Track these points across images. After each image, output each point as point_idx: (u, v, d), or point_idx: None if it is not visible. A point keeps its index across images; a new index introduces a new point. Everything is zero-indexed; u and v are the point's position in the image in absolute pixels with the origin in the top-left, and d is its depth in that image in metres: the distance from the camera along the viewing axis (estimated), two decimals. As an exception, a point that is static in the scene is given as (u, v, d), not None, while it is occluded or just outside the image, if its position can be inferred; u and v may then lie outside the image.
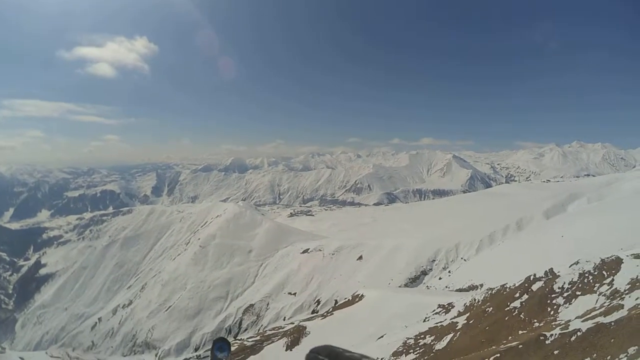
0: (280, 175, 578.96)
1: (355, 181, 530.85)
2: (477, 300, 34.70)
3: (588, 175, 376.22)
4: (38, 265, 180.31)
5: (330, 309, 69.69)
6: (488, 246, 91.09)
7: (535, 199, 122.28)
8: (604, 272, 23.12)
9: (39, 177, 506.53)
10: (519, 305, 26.19)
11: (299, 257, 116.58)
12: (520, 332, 22.71)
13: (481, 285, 55.45)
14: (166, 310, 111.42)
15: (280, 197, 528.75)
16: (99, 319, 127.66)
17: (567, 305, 22.52)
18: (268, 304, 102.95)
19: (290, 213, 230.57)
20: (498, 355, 16.72)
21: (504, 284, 33.05)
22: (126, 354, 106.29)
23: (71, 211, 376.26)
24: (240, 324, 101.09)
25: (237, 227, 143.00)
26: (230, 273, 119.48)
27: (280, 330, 69.99)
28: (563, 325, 17.16)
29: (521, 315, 24.83)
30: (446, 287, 66.52)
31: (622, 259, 23.42)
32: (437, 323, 34.17)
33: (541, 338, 16.01)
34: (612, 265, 23.37)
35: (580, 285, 23.48)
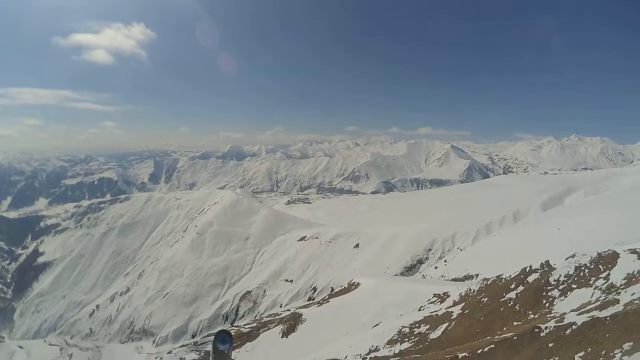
0: (278, 163, 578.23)
1: (353, 169, 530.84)
2: (472, 290, 34.79)
3: (586, 169, 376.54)
4: (36, 253, 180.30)
5: (327, 297, 70.03)
6: (484, 236, 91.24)
7: (532, 190, 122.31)
8: (600, 266, 23.15)
9: (36, 166, 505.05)
10: (514, 297, 26.25)
11: (296, 244, 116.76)
12: (515, 323, 22.78)
13: (477, 275, 55.61)
14: (163, 297, 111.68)
15: (278, 184, 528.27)
16: (97, 307, 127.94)
17: (562, 298, 22.57)
18: (265, 291, 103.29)
19: (288, 201, 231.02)
20: (492, 346, 16.75)
21: (500, 275, 33.11)
22: (124, 340, 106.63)
23: (69, 199, 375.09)
24: (237, 310, 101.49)
25: (234, 214, 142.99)
26: (228, 260, 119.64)
27: (277, 317, 70.33)
28: (558, 318, 17.20)
29: (516, 307, 24.89)
30: (442, 276, 66.70)
31: (619, 254, 23.44)
32: (432, 312, 34.28)
33: (536, 330, 16.05)
34: (609, 259, 23.39)
35: (576, 279, 23.51)
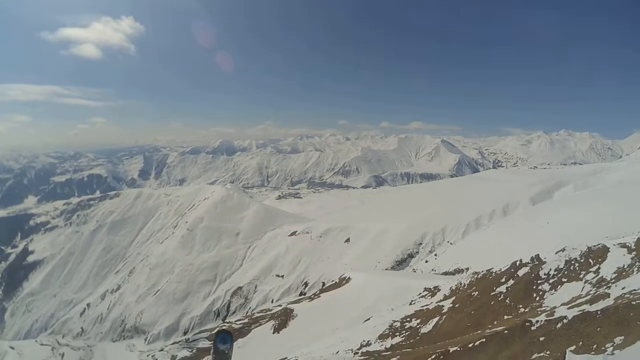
0: (268, 158, 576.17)
1: (344, 164, 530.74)
2: (463, 284, 34.91)
3: (575, 163, 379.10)
4: (26, 252, 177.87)
5: (318, 292, 70.01)
6: (474, 230, 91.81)
7: (522, 185, 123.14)
8: (590, 260, 23.27)
9: (25, 163, 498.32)
10: (504, 290, 26.34)
11: (287, 239, 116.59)
12: (505, 317, 22.85)
13: (467, 269, 55.86)
14: (154, 295, 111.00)
15: (269, 179, 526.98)
16: (88, 305, 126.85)
17: (552, 291, 22.67)
18: (256, 287, 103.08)
19: (279, 195, 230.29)
20: (484, 340, 16.74)
21: (490, 269, 33.24)
22: (115, 339, 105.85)
23: (58, 196, 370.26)
24: (228, 306, 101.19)
25: (224, 209, 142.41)
26: (218, 256, 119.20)
27: (268, 312, 70.36)
28: (548, 312, 17.24)
29: (507, 300, 24.97)
30: (432, 270, 66.96)
31: (609, 248, 23.57)
32: (423, 306, 34.37)
33: (527, 324, 16.05)
34: (599, 253, 23.52)
35: (566, 272, 23.62)
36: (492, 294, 27.09)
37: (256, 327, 56.47)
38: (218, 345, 6.74)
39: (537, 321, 15.90)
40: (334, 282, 65.69)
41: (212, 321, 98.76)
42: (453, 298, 32.34)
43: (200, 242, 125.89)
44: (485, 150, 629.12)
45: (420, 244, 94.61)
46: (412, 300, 39.01)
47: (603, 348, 11.74)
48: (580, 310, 15.12)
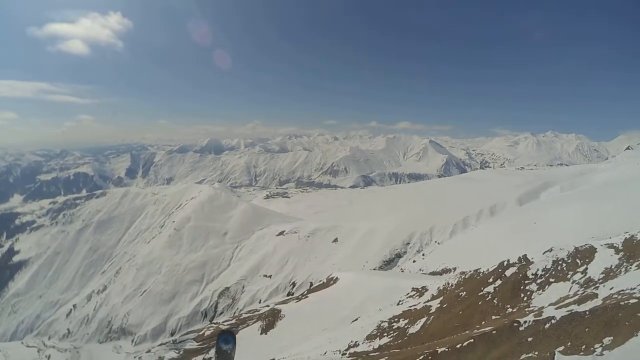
0: (256, 157, 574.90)
1: (332, 164, 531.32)
2: (450, 285, 34.95)
3: (561, 164, 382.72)
4: (11, 252, 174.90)
5: (305, 292, 69.84)
6: (462, 230, 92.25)
7: (509, 185, 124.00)
8: (578, 261, 23.36)
9: (11, 161, 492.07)
10: (492, 291, 26.37)
11: (275, 239, 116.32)
12: (493, 317, 22.84)
13: (454, 269, 56.06)
14: (141, 295, 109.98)
15: (257, 178, 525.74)
16: (74, 306, 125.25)
17: (540, 292, 22.71)
18: (243, 287, 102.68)
19: (267, 195, 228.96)
20: (472, 340, 16.66)
21: (478, 269, 33.30)
22: (102, 340, 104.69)
23: (44, 195, 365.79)
24: (215, 307, 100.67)
25: (212, 209, 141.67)
26: (206, 256, 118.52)
27: (256, 313, 70.00)
28: (536, 312, 17.22)
29: (494, 301, 25.00)
30: (420, 270, 67.11)
31: (596, 248, 23.68)
32: (410, 306, 34.34)
33: (515, 324, 15.99)
34: (586, 254, 23.62)
35: (553, 273, 23.69)
36: (479, 294, 27.10)
37: (244, 327, 56.10)
38: (221, 345, 6.79)
39: (525, 322, 15.84)
40: (321, 282, 65.54)
41: (199, 322, 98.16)
42: (441, 298, 32.35)
43: (188, 242, 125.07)
44: (473, 151, 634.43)
45: (408, 243, 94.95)
46: (399, 301, 39.00)
47: (592, 349, 11.69)
48: (568, 311, 15.10)
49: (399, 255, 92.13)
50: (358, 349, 28.19)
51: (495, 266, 29.62)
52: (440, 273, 58.40)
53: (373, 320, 34.07)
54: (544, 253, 27.11)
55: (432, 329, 26.74)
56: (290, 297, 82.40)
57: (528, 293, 23.28)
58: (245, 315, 74.65)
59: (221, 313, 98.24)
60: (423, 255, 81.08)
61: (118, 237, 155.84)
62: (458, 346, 16.64)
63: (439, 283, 37.86)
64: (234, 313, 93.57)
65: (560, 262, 24.10)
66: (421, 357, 17.03)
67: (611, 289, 17.06)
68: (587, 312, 13.85)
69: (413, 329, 28.58)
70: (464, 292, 29.65)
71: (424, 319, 29.22)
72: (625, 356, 10.41)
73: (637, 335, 11.30)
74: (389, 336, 29.13)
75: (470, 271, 34.78)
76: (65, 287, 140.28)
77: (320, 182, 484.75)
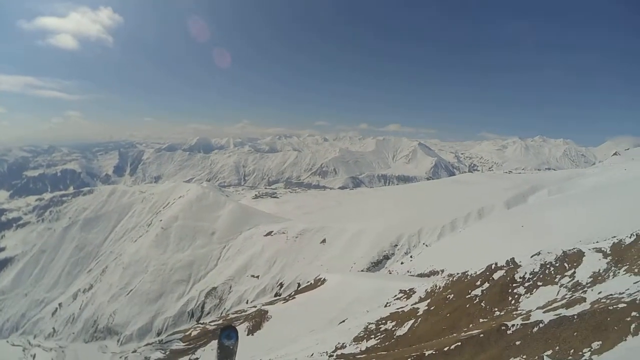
0: (246, 156, 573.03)
1: (322, 164, 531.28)
2: (438, 287, 34.94)
3: (549, 169, 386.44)
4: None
5: (293, 293, 69.62)
6: (450, 233, 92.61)
7: (497, 189, 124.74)
8: (566, 264, 23.38)
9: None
10: (480, 293, 26.35)
11: (263, 239, 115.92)
12: (481, 320, 22.81)
13: (442, 271, 56.16)
14: (127, 294, 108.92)
15: (246, 178, 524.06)
16: (60, 305, 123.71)
17: (528, 295, 22.71)
18: (231, 287, 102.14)
19: (255, 195, 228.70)
20: (459, 343, 16.59)
21: (465, 272, 33.33)
22: (88, 340, 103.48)
23: (31, 191, 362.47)
24: (202, 307, 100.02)
25: (200, 208, 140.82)
26: (193, 255, 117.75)
27: (243, 313, 69.62)
28: (524, 316, 17.16)
29: (482, 304, 24.97)
30: (408, 271, 67.21)
31: (584, 252, 23.72)
32: (398, 308, 34.27)
33: (503, 328, 15.93)
34: (574, 257, 23.65)
35: (541, 276, 23.70)
36: (467, 297, 27.08)
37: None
38: (223, 341, 6.70)
39: (513, 325, 15.80)
40: (309, 284, 65.43)
41: (186, 322, 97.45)
42: (428, 300, 32.31)
43: (175, 241, 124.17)
44: (462, 154, 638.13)
45: (396, 245, 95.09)
46: (387, 303, 38.93)
47: (580, 353, 11.63)
48: (556, 315, 15.05)
49: (387, 257, 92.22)
50: (345, 351, 28.02)
51: (483, 269, 29.63)
52: (428, 275, 58.51)
53: (360, 322, 33.93)
54: (532, 256, 27.12)
55: (419, 332, 26.66)
56: (278, 297, 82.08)
57: (516, 296, 23.27)
58: (233, 316, 74.30)
59: (208, 313, 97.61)
60: (411, 257, 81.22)
61: (105, 236, 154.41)
62: (445, 349, 16.56)
63: (427, 285, 37.85)
64: (221, 313, 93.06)
65: (548, 266, 24.11)
66: (408, 360, 16.92)
67: (599, 293, 17.07)
68: (576, 317, 13.81)
69: (400, 332, 28.49)
70: (452, 295, 29.62)
71: (411, 322, 29.15)
72: (614, 361, 10.35)
73: (625, 340, 11.26)
74: (376, 338, 29.02)
75: (458, 274, 34.81)
76: (51, 285, 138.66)
77: (310, 182, 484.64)
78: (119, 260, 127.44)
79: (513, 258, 28.24)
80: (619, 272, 19.67)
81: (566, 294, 19.78)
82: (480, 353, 15.30)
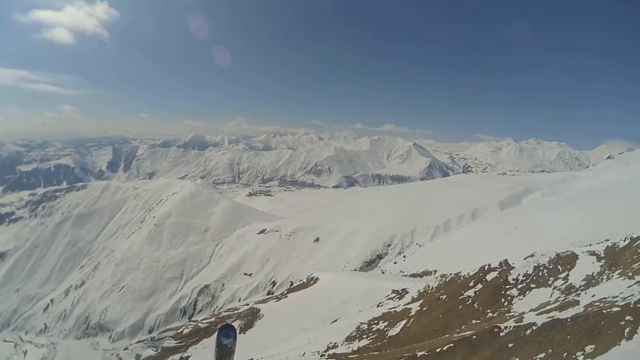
0: (240, 154, 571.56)
1: (316, 163, 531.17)
2: (431, 287, 34.87)
3: (543, 171, 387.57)
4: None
5: (285, 291, 69.55)
6: (443, 233, 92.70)
7: (491, 190, 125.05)
8: (559, 267, 23.37)
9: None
10: (472, 295, 26.31)
11: (256, 237, 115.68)
12: (473, 321, 22.75)
13: (435, 271, 56.19)
14: (119, 291, 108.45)
15: (240, 176, 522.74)
16: (51, 301, 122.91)
17: (521, 297, 22.68)
18: (223, 285, 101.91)
19: (249, 192, 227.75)
20: (452, 344, 16.51)
21: (458, 272, 33.24)
22: (79, 336, 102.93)
23: (24, 186, 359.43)
24: (195, 304, 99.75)
25: (193, 205, 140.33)
26: (186, 253, 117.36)
27: (235, 311, 69.43)
28: (517, 318, 17.10)
29: (475, 305, 24.92)
30: (401, 271, 67.21)
31: (578, 255, 23.72)
32: (390, 309, 34.19)
33: (495, 330, 15.86)
34: (568, 260, 23.64)
35: (534, 278, 23.68)
36: (460, 297, 27.04)
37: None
38: (221, 339, 6.77)
39: (506, 327, 15.72)
40: (302, 282, 65.31)
41: (178, 320, 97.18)
42: (421, 301, 32.25)
43: (168, 238, 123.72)
44: (456, 155, 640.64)
45: (390, 245, 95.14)
46: (380, 302, 38.86)
47: (574, 356, 11.56)
48: (549, 317, 14.99)
49: (380, 257, 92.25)
50: (337, 351, 27.93)
51: (476, 270, 29.59)
52: (421, 275, 58.53)
53: (353, 321, 33.84)
54: (525, 258, 27.07)
55: (411, 332, 26.60)
56: (270, 296, 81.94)
57: (509, 298, 23.24)
58: (225, 314, 74.03)
59: (200, 311, 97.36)
60: (404, 257, 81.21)
61: (97, 232, 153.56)
62: (438, 350, 16.48)
63: (420, 285, 37.78)
64: (214, 311, 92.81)
65: (541, 268, 24.11)
66: (400, 361, 16.83)
67: (593, 296, 17.02)
68: (569, 319, 13.73)
69: (393, 332, 28.42)
70: (445, 296, 29.58)
71: (403, 322, 29.09)
72: (608, 365, 10.29)
73: (619, 344, 11.20)
74: (369, 338, 28.93)
75: (451, 274, 34.74)
76: (43, 281, 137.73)
77: (304, 181, 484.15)
78: (111, 256, 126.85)
79: (506, 259, 28.20)
80: (612, 276, 19.65)
81: (559, 297, 19.76)
82: (472, 355, 15.22)
